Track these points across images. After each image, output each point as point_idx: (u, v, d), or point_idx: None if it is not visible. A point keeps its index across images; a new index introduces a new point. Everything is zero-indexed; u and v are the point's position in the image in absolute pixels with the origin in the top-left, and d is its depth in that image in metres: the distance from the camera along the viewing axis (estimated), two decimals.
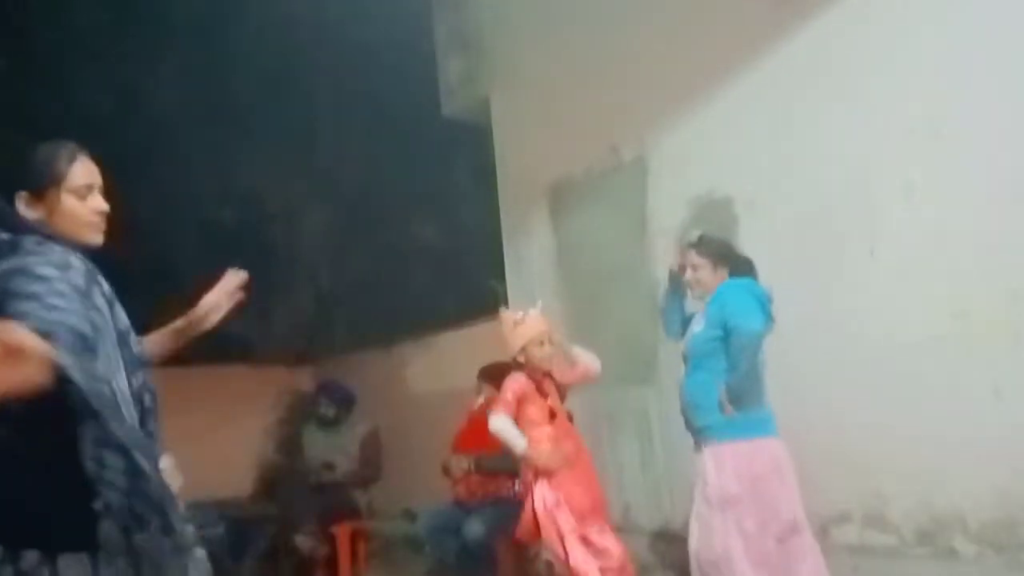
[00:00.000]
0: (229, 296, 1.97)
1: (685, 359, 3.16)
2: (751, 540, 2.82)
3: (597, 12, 4.41)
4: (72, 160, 1.64)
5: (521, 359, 3.26)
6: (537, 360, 3.24)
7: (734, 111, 3.81)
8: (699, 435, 3.04)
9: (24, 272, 1.41)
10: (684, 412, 3.12)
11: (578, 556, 3.00)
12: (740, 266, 3.13)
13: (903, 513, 3.24)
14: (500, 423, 3.17)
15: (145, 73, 7.09)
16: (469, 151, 6.31)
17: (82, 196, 1.63)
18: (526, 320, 3.27)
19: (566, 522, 3.05)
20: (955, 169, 3.09)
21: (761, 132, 3.69)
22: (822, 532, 3.45)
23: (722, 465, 2.91)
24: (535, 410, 3.22)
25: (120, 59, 6.88)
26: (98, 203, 1.66)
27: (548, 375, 3.32)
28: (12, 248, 1.47)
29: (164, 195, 6.97)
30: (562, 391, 3.36)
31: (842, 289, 3.41)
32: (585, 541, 3.06)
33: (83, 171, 1.65)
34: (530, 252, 4.92)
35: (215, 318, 1.96)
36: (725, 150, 3.85)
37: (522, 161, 5.00)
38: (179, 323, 1.97)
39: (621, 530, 4.28)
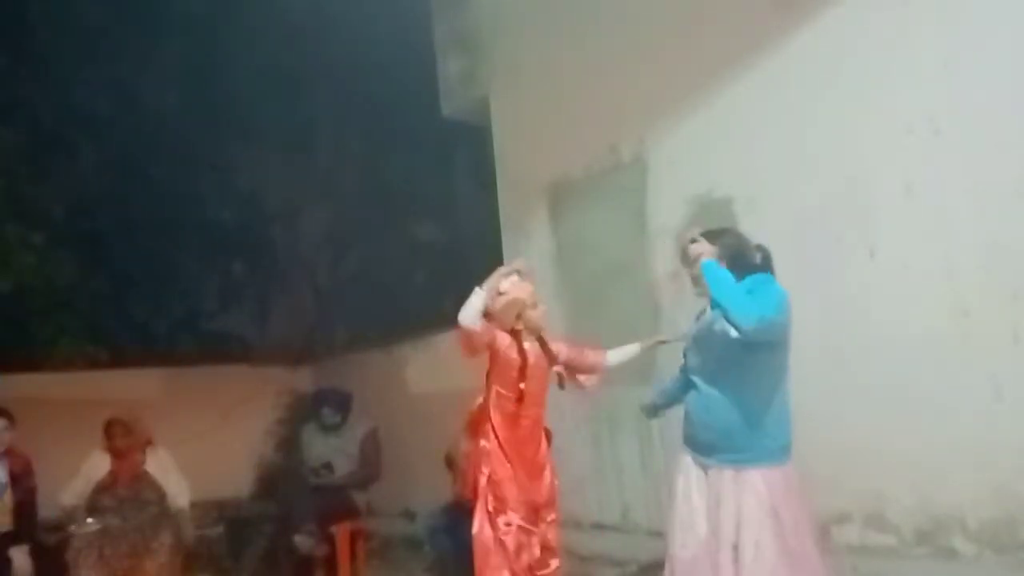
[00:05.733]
0: None
1: (699, 368, 2.71)
2: None
3: (597, 12, 4.41)
4: None
5: (519, 326, 3.05)
6: (534, 323, 3.08)
7: (734, 111, 3.80)
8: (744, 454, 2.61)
9: None
10: (713, 431, 2.64)
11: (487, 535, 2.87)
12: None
13: (903, 513, 3.24)
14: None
15: (145, 73, 7.10)
16: (469, 151, 6.32)
17: None
18: (514, 284, 3.09)
19: (497, 503, 2.90)
20: (954, 168, 3.08)
21: (761, 132, 3.69)
22: (822, 532, 3.45)
23: (773, 487, 2.54)
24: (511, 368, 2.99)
25: (120, 59, 6.89)
26: None
27: (543, 345, 3.12)
28: None
29: (164, 195, 6.98)
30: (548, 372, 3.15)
31: (842, 289, 3.40)
32: (528, 531, 2.92)
33: None
34: (530, 252, 4.90)
35: None
36: (725, 150, 3.84)
37: (522, 161, 5.00)
38: None
39: (621, 530, 4.30)
